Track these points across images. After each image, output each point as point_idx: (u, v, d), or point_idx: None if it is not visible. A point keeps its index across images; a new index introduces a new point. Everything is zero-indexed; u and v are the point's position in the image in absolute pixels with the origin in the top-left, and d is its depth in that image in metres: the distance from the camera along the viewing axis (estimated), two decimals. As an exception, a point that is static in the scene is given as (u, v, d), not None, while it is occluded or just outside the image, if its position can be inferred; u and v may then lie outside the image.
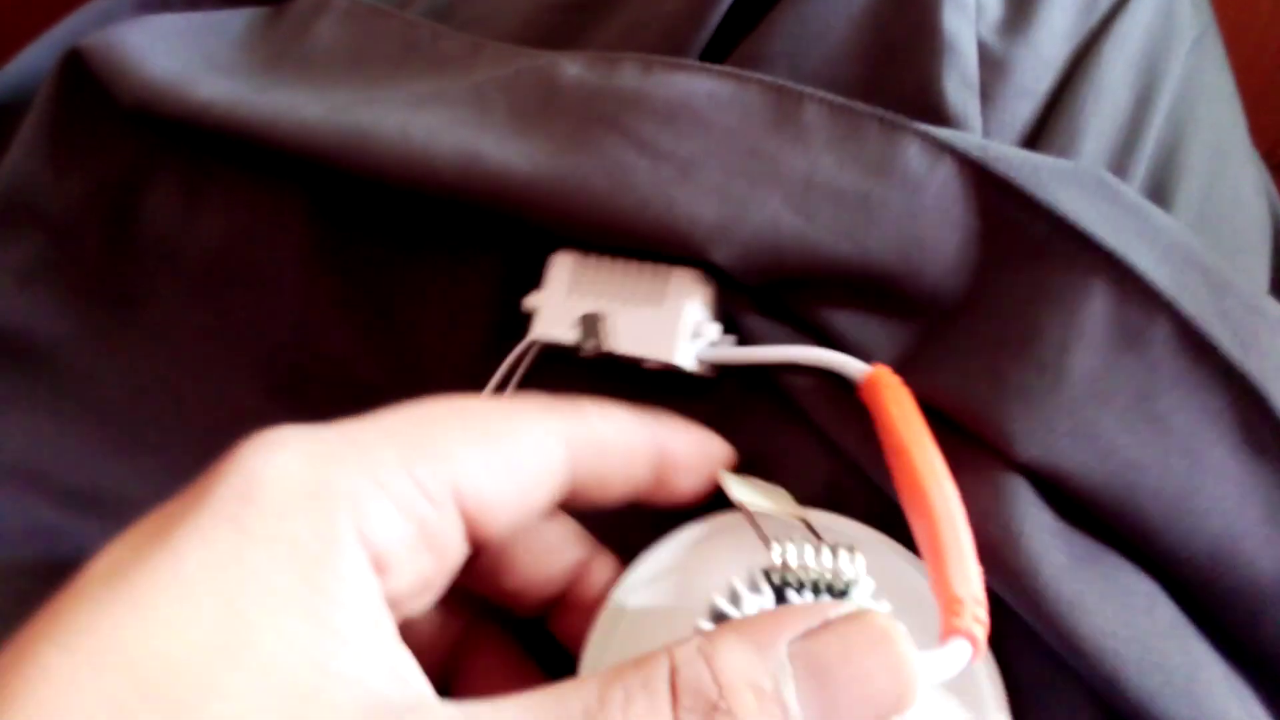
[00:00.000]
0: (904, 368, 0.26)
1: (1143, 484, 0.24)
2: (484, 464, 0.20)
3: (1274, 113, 0.56)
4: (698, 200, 0.27)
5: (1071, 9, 0.32)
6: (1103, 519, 0.25)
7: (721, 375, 0.28)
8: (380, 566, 0.17)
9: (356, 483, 0.17)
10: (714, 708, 0.16)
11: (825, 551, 0.21)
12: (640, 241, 0.27)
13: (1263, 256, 0.33)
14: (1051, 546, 0.24)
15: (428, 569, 0.19)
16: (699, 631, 0.18)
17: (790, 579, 0.20)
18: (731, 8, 0.33)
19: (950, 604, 0.18)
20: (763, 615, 0.18)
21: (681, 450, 0.24)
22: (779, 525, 0.24)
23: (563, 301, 0.28)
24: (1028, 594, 0.24)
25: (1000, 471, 0.25)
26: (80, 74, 0.38)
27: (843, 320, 0.27)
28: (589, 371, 0.29)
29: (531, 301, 0.28)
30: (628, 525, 0.25)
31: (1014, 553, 0.24)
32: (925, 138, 0.27)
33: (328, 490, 0.17)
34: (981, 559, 0.25)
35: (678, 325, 0.26)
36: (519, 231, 0.30)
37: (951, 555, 0.19)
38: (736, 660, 0.17)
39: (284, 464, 0.17)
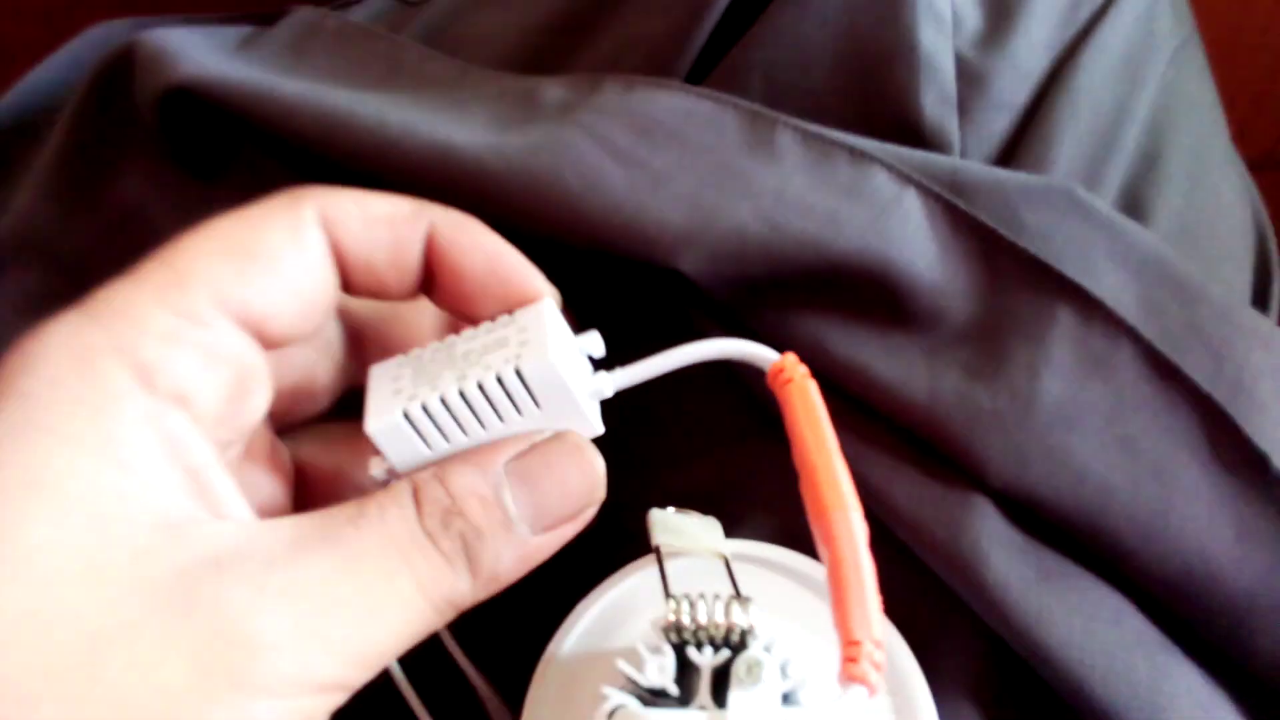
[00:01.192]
0: (870, 382, 0.27)
1: (1115, 507, 0.24)
2: (238, 272, 0.20)
3: (1270, 115, 0.56)
4: (668, 207, 0.27)
5: (1051, 20, 0.33)
6: (1078, 540, 0.25)
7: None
8: (177, 398, 0.19)
9: (119, 332, 0.19)
10: (449, 511, 0.20)
11: (719, 604, 0.21)
12: (607, 245, 0.27)
13: (1245, 265, 0.33)
14: (1020, 562, 0.25)
15: (231, 383, 0.20)
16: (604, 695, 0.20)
17: (688, 636, 0.21)
18: (717, 27, 0.34)
19: (848, 647, 0.18)
20: (484, 445, 0.21)
21: (452, 230, 0.23)
22: (698, 564, 0.24)
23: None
24: (996, 608, 0.24)
25: (968, 491, 0.25)
26: (107, 88, 0.39)
27: (807, 328, 0.27)
28: None
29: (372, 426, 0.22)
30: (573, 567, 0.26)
31: (982, 569, 0.24)
32: (892, 169, 0.28)
33: (92, 350, 0.19)
34: (950, 575, 0.25)
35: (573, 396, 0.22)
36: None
37: (852, 594, 0.18)
38: (463, 479, 0.21)
39: (51, 344, 0.19)
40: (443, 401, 0.21)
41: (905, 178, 0.28)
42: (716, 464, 0.29)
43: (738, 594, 0.21)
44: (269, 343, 0.21)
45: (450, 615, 0.20)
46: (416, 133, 0.29)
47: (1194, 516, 0.24)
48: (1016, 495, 0.25)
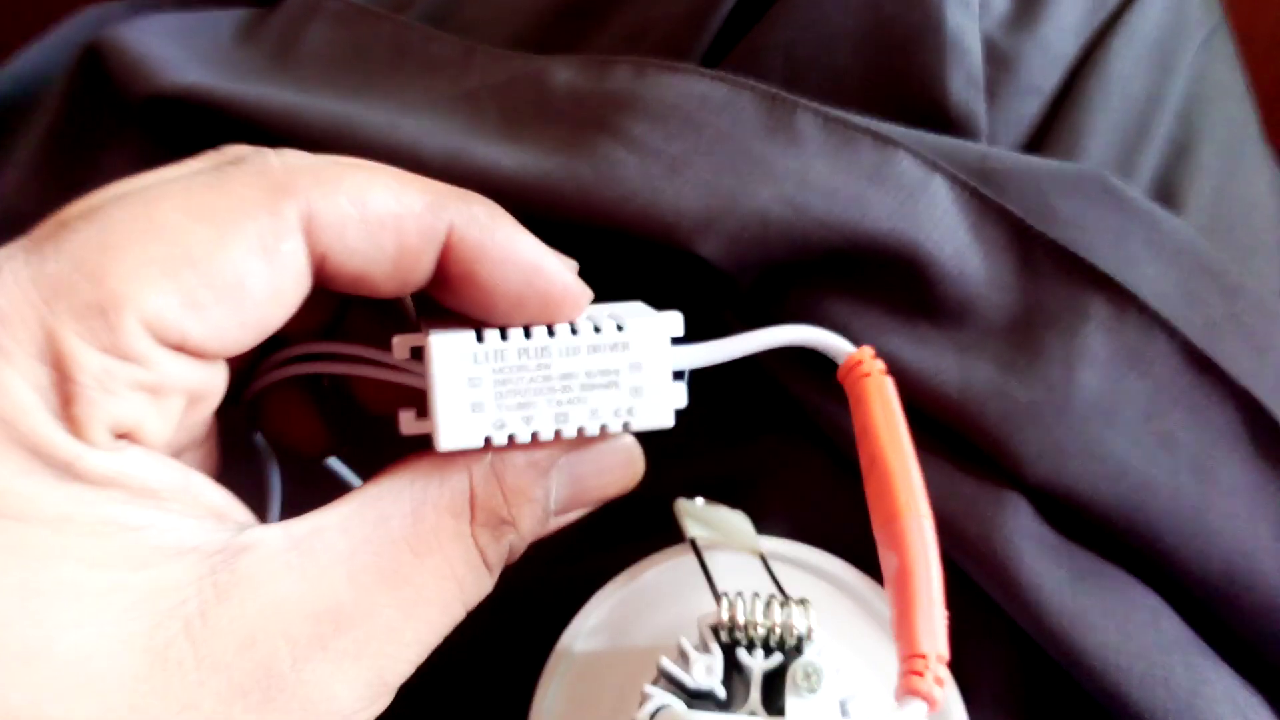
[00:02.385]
0: (899, 372, 0.26)
1: (1154, 503, 0.24)
2: (186, 303, 0.16)
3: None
4: (685, 193, 0.26)
5: (1080, 4, 0.32)
6: (1117, 539, 0.24)
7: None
8: (130, 436, 0.17)
9: (52, 388, 0.16)
10: (502, 522, 0.19)
11: (776, 605, 0.20)
12: (625, 231, 0.27)
13: (1276, 257, 0.33)
14: (1053, 562, 0.24)
15: (182, 405, 0.17)
16: (645, 696, 0.19)
17: (739, 636, 0.20)
18: (735, 7, 0.33)
19: (911, 660, 0.17)
20: (545, 444, 0.20)
21: (479, 235, 0.19)
22: (732, 559, 0.23)
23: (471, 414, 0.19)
24: (1029, 609, 0.24)
25: (1001, 487, 0.25)
26: (91, 74, 0.38)
27: (833, 315, 0.26)
28: None
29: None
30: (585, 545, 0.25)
31: (1016, 569, 0.24)
32: (917, 154, 0.27)
33: (34, 427, 0.16)
34: (983, 575, 0.24)
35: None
36: None
37: (920, 605, 0.17)
38: (520, 477, 0.19)
39: None
40: (534, 435, 0.19)
41: (931, 164, 0.27)
42: (728, 461, 0.29)
43: (785, 594, 0.21)
44: (216, 359, 0.18)
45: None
46: (430, 140, 0.29)
47: (1234, 514, 0.24)
48: (1054, 491, 0.24)
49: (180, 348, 0.17)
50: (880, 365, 0.20)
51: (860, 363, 0.20)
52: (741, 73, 0.31)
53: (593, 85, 0.29)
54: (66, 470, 0.16)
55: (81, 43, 0.39)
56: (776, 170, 0.27)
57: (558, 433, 0.19)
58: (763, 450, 0.28)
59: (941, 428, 0.26)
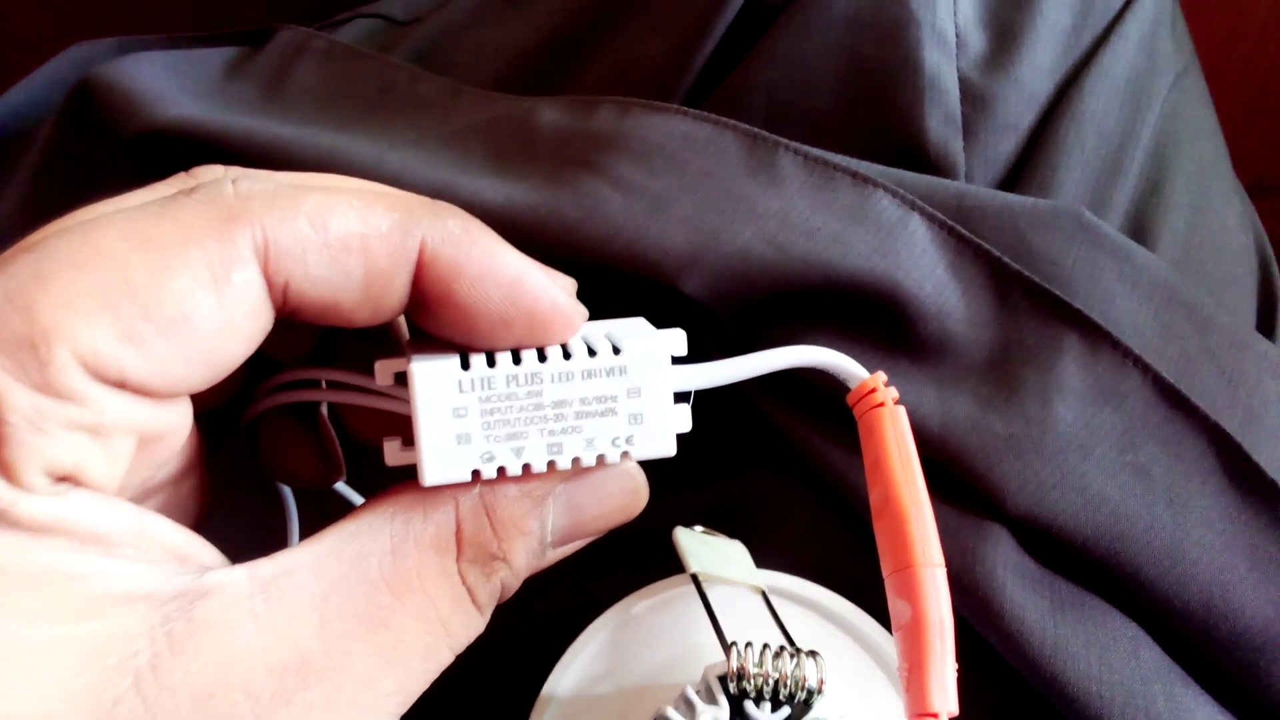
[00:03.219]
0: None
1: (1132, 534, 0.24)
2: (123, 336, 0.15)
3: (1260, 141, 0.56)
4: (669, 231, 0.26)
5: (1055, 44, 0.32)
6: (1097, 570, 0.25)
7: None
8: (71, 479, 0.15)
9: None
10: (492, 557, 0.18)
11: (786, 656, 0.19)
12: (610, 267, 0.27)
13: (1249, 290, 0.33)
14: (1035, 593, 0.24)
15: (129, 446, 0.16)
16: None
17: (748, 687, 0.19)
18: (718, 48, 0.33)
19: (922, 718, 0.17)
20: (539, 475, 0.18)
21: (453, 252, 0.17)
22: (731, 594, 0.23)
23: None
24: (1012, 639, 0.24)
25: (983, 519, 0.25)
26: (82, 110, 0.38)
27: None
28: None
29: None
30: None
31: (998, 599, 0.24)
32: (895, 194, 0.27)
33: None
34: (965, 605, 0.25)
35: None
36: None
37: (933, 661, 0.17)
38: (512, 508, 0.18)
39: None
40: (525, 467, 0.18)
41: (909, 203, 0.27)
42: (716, 493, 0.29)
43: (794, 645, 0.20)
44: (168, 397, 0.17)
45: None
46: (414, 175, 0.29)
47: (1209, 544, 0.24)
48: (1035, 523, 0.25)
49: (121, 385, 0.15)
50: (894, 394, 0.20)
51: (874, 390, 0.19)
52: (723, 112, 0.31)
53: (578, 124, 0.30)
54: (7, 522, 0.15)
55: (70, 79, 0.39)
56: (758, 209, 0.27)
57: (551, 464, 0.18)
58: (753, 482, 0.28)
59: (923, 461, 0.26)
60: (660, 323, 0.19)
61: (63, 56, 0.44)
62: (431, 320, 0.18)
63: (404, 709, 0.17)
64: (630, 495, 0.19)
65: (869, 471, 0.19)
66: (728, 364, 0.19)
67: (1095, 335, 0.26)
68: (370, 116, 0.34)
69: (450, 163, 0.30)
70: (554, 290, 0.18)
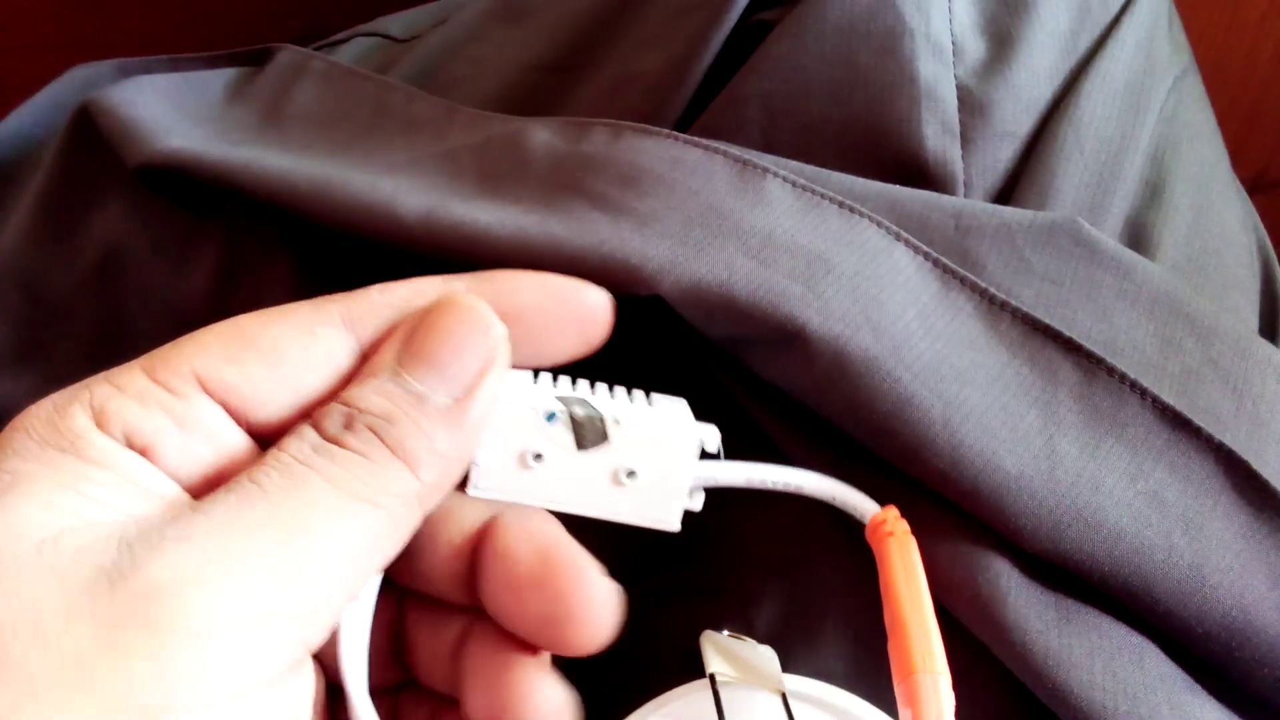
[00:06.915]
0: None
1: (1150, 565, 0.24)
2: (229, 357, 0.20)
3: (1262, 135, 0.56)
4: (653, 242, 0.26)
5: (1052, 50, 0.32)
6: (1118, 602, 0.24)
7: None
8: (143, 450, 0.20)
9: (98, 392, 0.20)
10: (349, 415, 0.20)
11: None
12: (590, 277, 0.26)
13: (1252, 293, 0.33)
14: (1039, 601, 0.24)
15: (202, 450, 0.20)
16: None
17: None
18: (715, 61, 0.33)
19: None
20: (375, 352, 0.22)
21: (530, 302, 0.23)
22: (753, 697, 0.23)
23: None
24: (1015, 649, 0.24)
25: (983, 532, 0.25)
26: (83, 135, 0.38)
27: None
28: None
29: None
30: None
31: (1000, 610, 0.24)
32: (881, 224, 0.27)
33: (64, 410, 0.20)
34: (968, 617, 0.25)
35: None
36: None
37: None
38: (357, 388, 0.21)
39: (34, 412, 0.20)
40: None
41: (894, 234, 0.27)
42: (782, 592, 0.28)
43: None
44: (257, 430, 0.21)
45: (415, 511, 0.21)
46: (407, 198, 0.29)
47: (1228, 566, 0.24)
48: (1053, 560, 0.24)
49: (221, 397, 0.20)
50: (904, 526, 0.22)
51: (884, 522, 0.22)
52: (721, 122, 0.31)
53: (569, 147, 0.30)
54: (70, 445, 0.19)
55: (72, 102, 0.39)
56: (744, 225, 0.27)
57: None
58: (816, 580, 0.27)
59: (935, 500, 0.25)
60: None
61: (64, 79, 0.44)
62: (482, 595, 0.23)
63: (345, 576, 0.20)
64: (473, 321, 0.22)
65: (883, 596, 0.21)
66: (746, 468, 0.23)
67: (1090, 363, 0.26)
68: (366, 139, 0.34)
69: (443, 184, 0.30)
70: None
